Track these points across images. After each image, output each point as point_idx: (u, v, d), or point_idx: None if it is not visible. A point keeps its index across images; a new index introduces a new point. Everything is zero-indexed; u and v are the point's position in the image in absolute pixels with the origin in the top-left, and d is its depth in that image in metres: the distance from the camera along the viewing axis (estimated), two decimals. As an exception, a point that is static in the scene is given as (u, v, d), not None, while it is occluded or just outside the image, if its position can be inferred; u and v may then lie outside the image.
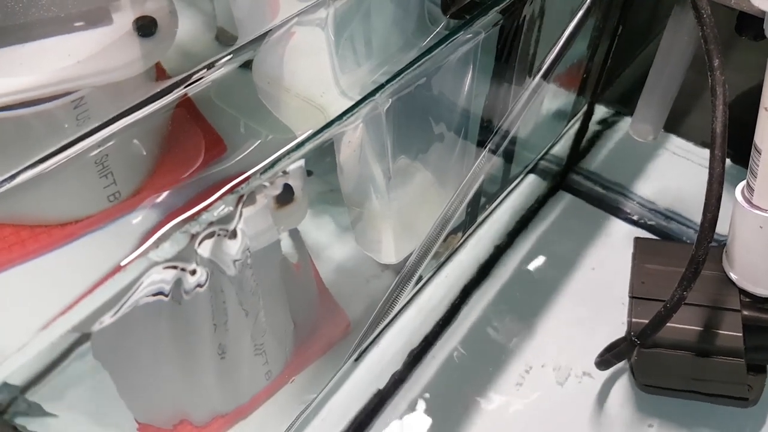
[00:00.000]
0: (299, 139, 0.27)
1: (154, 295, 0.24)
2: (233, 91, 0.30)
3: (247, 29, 0.31)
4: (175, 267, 0.24)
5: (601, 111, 0.57)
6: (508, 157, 0.45)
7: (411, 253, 0.38)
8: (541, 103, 0.44)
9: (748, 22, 0.36)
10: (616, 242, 0.48)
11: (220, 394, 0.31)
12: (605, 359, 0.38)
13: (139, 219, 0.24)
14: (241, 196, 0.25)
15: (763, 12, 0.31)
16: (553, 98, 0.47)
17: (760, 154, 0.32)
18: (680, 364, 0.36)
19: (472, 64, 0.35)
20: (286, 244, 0.31)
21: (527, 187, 0.51)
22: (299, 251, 0.33)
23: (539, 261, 0.47)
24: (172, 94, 0.28)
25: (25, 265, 0.26)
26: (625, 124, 0.56)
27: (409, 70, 0.30)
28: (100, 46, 0.29)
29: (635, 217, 0.50)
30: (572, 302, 0.45)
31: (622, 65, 0.54)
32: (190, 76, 0.28)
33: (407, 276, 0.38)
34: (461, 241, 0.46)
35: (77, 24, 0.30)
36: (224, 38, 0.34)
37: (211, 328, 0.28)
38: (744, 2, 0.34)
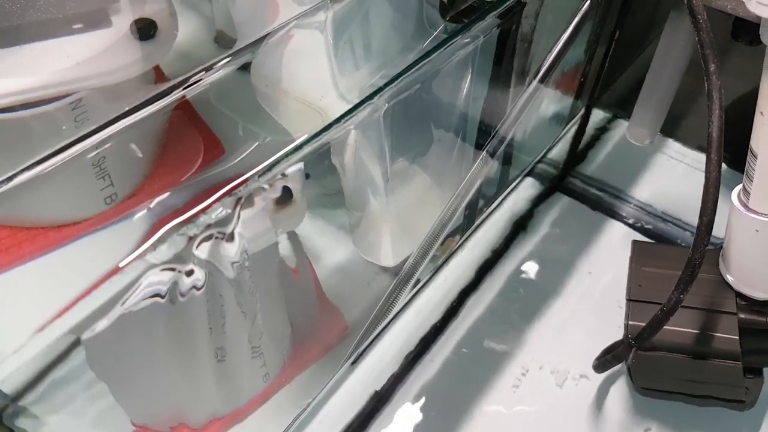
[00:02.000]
0: (298, 142, 0.27)
1: (151, 297, 0.24)
2: (232, 94, 0.30)
3: (246, 32, 0.31)
4: (172, 269, 0.24)
5: (598, 115, 0.57)
6: (506, 160, 0.45)
7: (409, 256, 0.38)
8: (538, 107, 0.44)
9: (744, 28, 0.36)
10: (613, 245, 0.48)
11: (217, 397, 0.31)
12: (603, 362, 0.38)
13: (136, 221, 0.24)
14: (239, 199, 0.25)
15: (759, 17, 0.31)
16: (551, 102, 0.47)
17: (756, 158, 0.32)
18: (677, 366, 0.36)
19: (471, 68, 0.35)
20: (284, 247, 0.31)
21: (525, 190, 0.51)
22: (297, 254, 0.33)
23: (536, 264, 0.47)
24: (170, 96, 0.28)
25: (22, 268, 0.26)
26: (622, 127, 0.56)
27: (407, 74, 0.30)
28: (99, 48, 0.29)
29: (632, 221, 0.50)
30: (569, 305, 0.45)
31: (619, 69, 0.54)
32: (189, 78, 0.28)
33: (405, 279, 0.38)
34: (459, 243, 0.46)
35: (76, 26, 0.30)
36: (223, 41, 0.34)
37: (207, 331, 0.28)
38: (740, 8, 0.34)
